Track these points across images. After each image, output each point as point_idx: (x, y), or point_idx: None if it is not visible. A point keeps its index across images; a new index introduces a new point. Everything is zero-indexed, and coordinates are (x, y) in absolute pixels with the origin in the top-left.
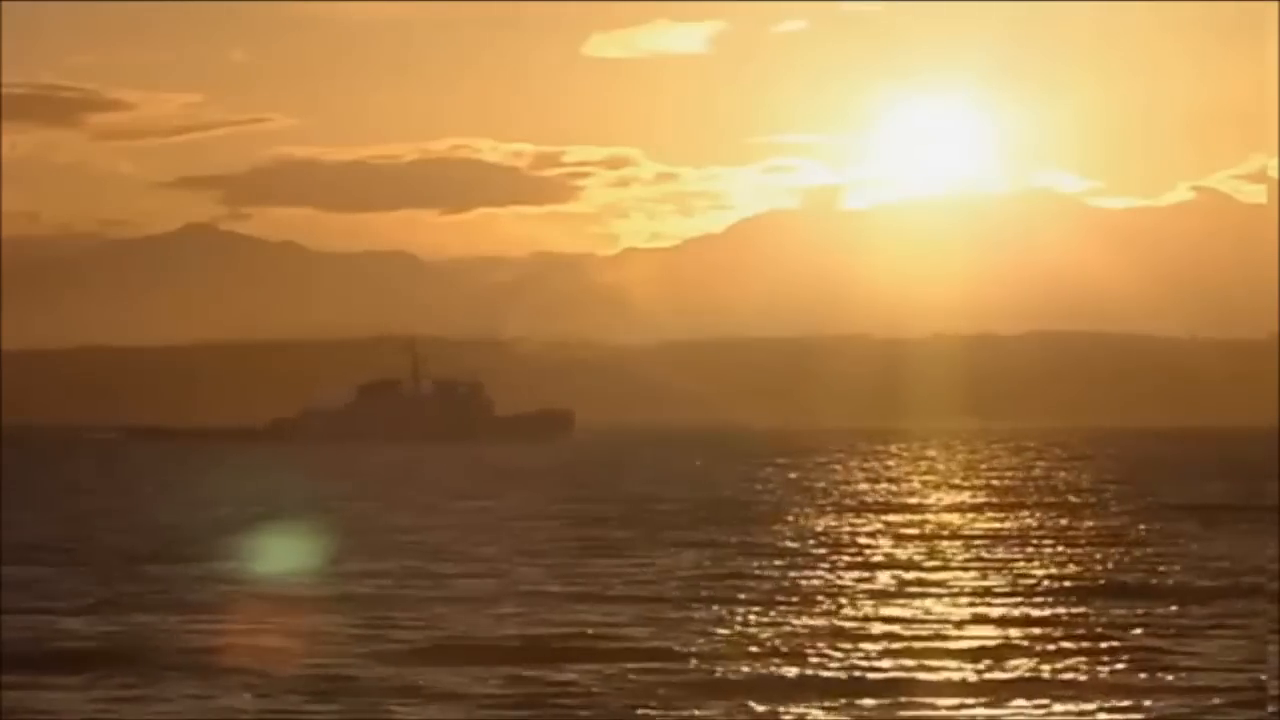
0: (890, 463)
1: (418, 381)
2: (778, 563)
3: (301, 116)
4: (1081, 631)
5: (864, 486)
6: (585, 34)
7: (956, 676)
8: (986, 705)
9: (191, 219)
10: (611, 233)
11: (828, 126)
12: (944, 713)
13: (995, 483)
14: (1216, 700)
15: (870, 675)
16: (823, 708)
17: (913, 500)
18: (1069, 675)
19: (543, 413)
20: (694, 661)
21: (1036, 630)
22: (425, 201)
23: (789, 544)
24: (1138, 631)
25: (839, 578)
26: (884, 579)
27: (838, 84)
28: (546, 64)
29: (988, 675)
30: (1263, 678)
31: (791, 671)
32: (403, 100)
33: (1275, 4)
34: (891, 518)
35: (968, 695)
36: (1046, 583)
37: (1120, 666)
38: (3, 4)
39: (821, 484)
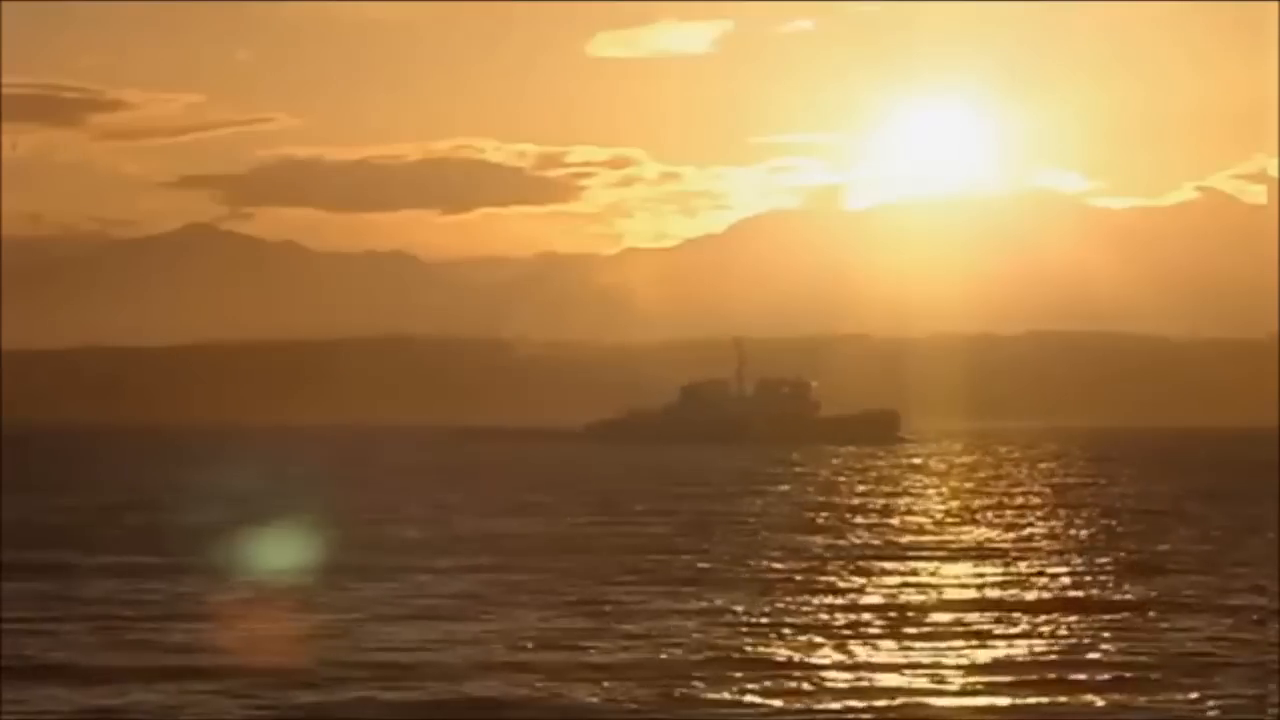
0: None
1: (741, 381)
2: None
3: (304, 116)
4: None
5: None
6: (590, 33)
7: None
8: None
9: (193, 219)
10: (614, 233)
11: (830, 126)
12: None
13: None
14: None
15: None
16: None
17: None
18: None
19: (867, 413)
20: None
21: None
22: (427, 201)
23: None
24: None
25: None
26: None
27: (841, 84)
28: (551, 64)
29: None
30: None
31: None
32: (406, 100)
33: (1275, 4)
34: None
35: None
36: None
37: None
38: (3, 4)
39: None
